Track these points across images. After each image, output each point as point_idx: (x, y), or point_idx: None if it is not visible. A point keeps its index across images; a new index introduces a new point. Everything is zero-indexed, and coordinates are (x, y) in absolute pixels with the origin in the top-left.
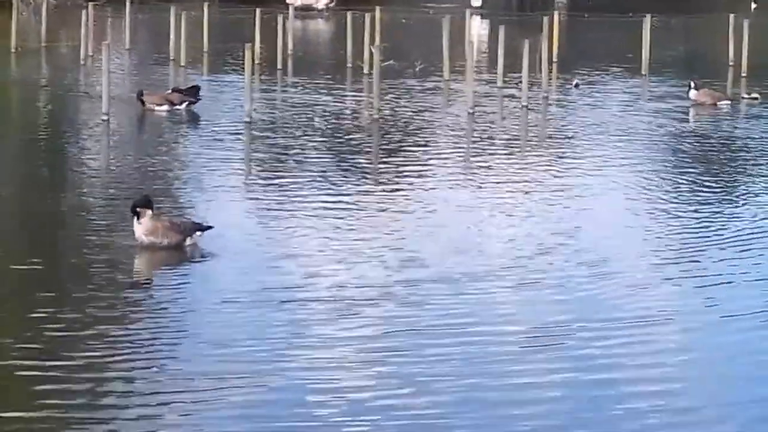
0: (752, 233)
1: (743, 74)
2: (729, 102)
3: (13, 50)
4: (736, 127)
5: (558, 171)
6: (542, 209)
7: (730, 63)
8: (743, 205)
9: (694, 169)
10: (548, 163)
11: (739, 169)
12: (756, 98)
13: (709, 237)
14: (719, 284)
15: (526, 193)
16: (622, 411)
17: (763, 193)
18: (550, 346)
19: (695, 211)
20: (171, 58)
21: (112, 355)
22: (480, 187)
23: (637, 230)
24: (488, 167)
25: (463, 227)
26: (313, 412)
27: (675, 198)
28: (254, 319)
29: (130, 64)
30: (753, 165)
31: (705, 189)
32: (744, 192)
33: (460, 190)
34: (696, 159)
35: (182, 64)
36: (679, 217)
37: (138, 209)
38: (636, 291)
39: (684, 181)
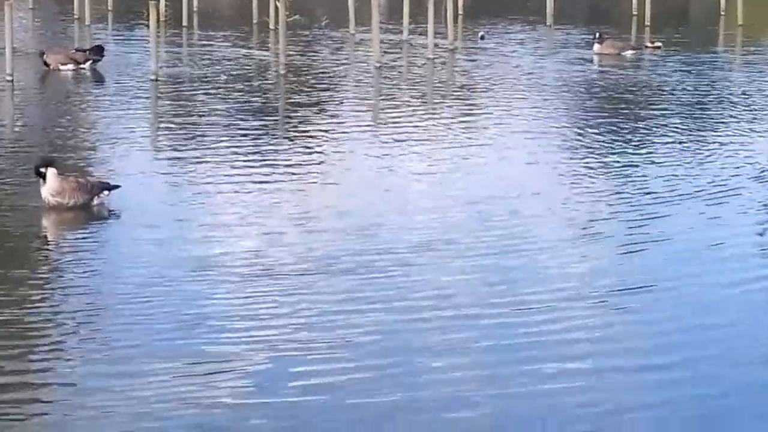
0: (700, 188)
1: (647, 24)
2: (633, 51)
3: None
4: (640, 75)
5: (472, 125)
6: (470, 167)
7: (634, 13)
8: (678, 153)
9: (609, 118)
10: (460, 117)
11: (653, 116)
12: (659, 47)
13: (666, 191)
14: (703, 248)
15: (446, 149)
16: (613, 383)
17: (684, 139)
18: (534, 320)
19: (632, 164)
20: (76, 16)
21: (38, 335)
22: (395, 146)
23: (582, 187)
24: (399, 123)
25: (392, 190)
26: (279, 399)
27: (603, 149)
28: (178, 288)
29: (34, 23)
30: (665, 111)
31: (625, 138)
32: (670, 139)
33: (374, 148)
34: (607, 107)
35: (87, 22)
36: (618, 170)
37: (42, 169)
38: (619, 256)
39: (602, 131)
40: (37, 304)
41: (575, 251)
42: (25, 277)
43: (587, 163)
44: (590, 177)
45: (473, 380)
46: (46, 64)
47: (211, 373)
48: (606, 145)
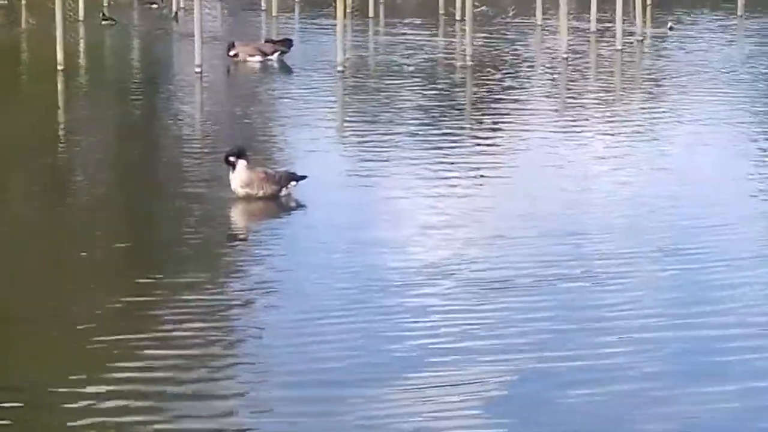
0: None
1: None
2: None
3: (105, 4)
4: None
5: (664, 118)
6: (670, 163)
7: None
8: None
9: None
10: (650, 110)
11: None
12: None
13: None
14: None
15: (641, 143)
16: None
17: None
18: None
19: None
20: (263, 8)
21: (214, 324)
22: (586, 139)
23: None
24: (589, 116)
25: (593, 190)
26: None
27: None
28: (394, 298)
29: (222, 15)
30: None
31: None
32: None
33: (566, 143)
34: None
35: (274, 13)
36: None
37: (232, 160)
38: None
39: None
40: (224, 309)
41: None
42: (213, 276)
43: None
44: None
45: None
46: (234, 55)
47: (437, 400)
48: None
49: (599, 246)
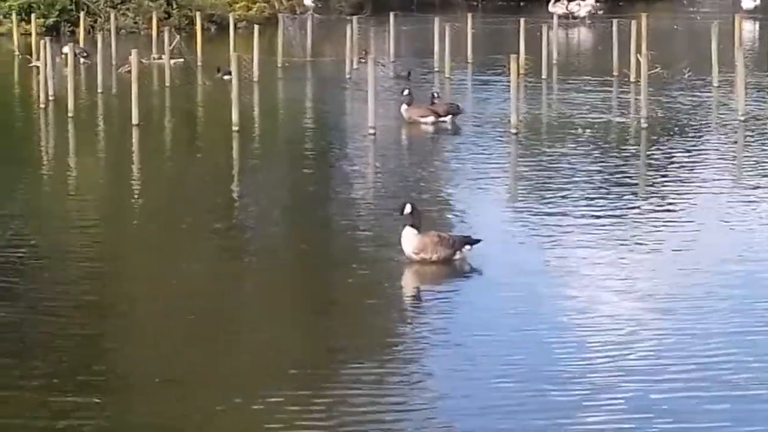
0: None
1: None
2: None
3: (279, 65)
4: None
5: None
6: None
7: None
8: None
9: None
10: None
11: None
12: None
13: None
14: None
15: None
16: None
17: None
18: None
19: None
20: (435, 69)
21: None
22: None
23: None
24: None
25: None
26: None
27: None
28: (548, 354)
29: (396, 74)
30: None
31: None
32: None
33: (742, 210)
34: None
35: (447, 75)
36: None
37: (406, 224)
38: None
39: None
40: (402, 365)
41: None
42: (387, 335)
43: None
44: None
45: None
46: (406, 115)
47: None
48: None
49: None
